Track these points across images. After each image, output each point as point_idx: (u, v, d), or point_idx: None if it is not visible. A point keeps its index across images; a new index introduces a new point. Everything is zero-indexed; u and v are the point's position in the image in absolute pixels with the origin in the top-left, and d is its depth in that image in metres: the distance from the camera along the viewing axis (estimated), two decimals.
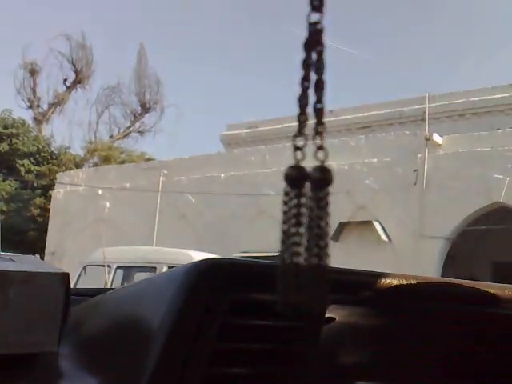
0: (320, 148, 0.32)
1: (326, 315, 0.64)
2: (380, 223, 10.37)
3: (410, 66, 36.99)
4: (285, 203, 0.32)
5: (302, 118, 0.32)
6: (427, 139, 10.35)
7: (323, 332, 0.65)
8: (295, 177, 0.32)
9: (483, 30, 37.39)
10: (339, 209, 10.09)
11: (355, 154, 11.06)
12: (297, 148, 0.32)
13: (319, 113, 0.32)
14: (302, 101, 0.32)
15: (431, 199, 10.06)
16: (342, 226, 10.48)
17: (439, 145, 10.50)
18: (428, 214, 10.06)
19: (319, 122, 0.32)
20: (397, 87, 34.46)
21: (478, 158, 9.77)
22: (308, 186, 0.33)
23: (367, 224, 10.42)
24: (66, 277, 0.72)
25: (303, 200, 0.32)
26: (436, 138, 10.48)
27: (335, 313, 0.65)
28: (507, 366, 0.76)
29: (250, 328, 0.61)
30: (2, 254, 0.86)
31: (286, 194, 0.32)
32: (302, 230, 0.32)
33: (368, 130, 13.82)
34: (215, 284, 0.60)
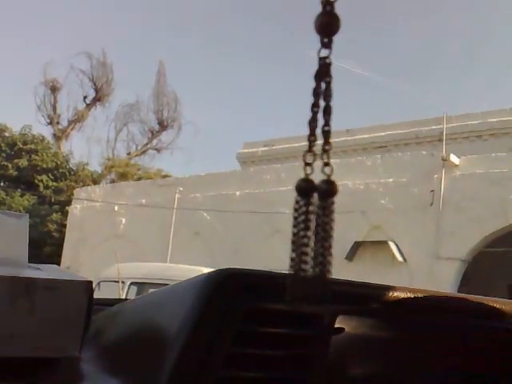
0: (326, 164, 0.37)
1: (336, 325, 0.67)
2: (395, 243, 10.30)
3: (428, 87, 37.02)
4: (295, 210, 0.37)
5: (311, 138, 0.37)
6: (444, 160, 10.32)
7: (332, 342, 0.68)
8: (304, 188, 0.37)
9: (499, 49, 37.34)
10: (354, 228, 10.07)
11: (371, 174, 11.05)
12: (306, 163, 0.37)
13: (326, 134, 0.37)
14: (312, 124, 0.37)
15: (447, 220, 9.99)
16: (357, 245, 10.43)
17: (456, 165, 10.46)
18: (444, 234, 9.99)
19: (326, 142, 0.37)
20: (414, 108, 34.47)
21: (495, 179, 9.70)
22: (316, 197, 0.37)
23: (382, 244, 10.37)
24: (89, 285, 0.76)
25: (311, 208, 0.36)
26: (453, 158, 10.44)
27: (344, 323, 0.68)
28: None
29: (262, 335, 0.64)
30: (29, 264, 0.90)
31: (297, 202, 0.37)
32: (310, 233, 0.36)
33: (384, 150, 13.81)
34: (232, 293, 0.63)
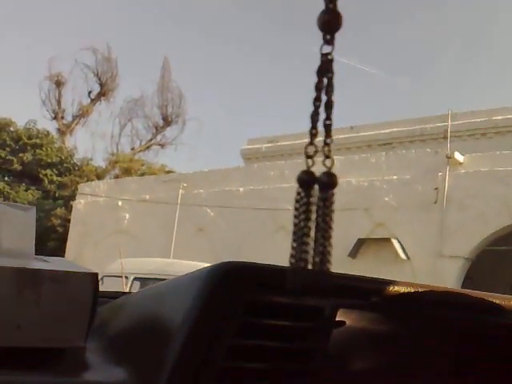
0: (327, 157, 0.37)
1: (337, 319, 0.68)
2: (399, 241, 10.30)
3: (433, 84, 36.90)
4: (297, 201, 0.38)
5: (313, 131, 0.38)
6: (448, 157, 10.30)
7: (333, 335, 0.69)
8: (306, 180, 0.38)
9: (505, 44, 37.17)
10: (357, 225, 10.07)
11: (375, 171, 11.04)
12: (308, 156, 0.38)
13: (328, 128, 0.38)
14: (314, 117, 0.38)
15: (451, 218, 9.97)
16: (360, 242, 10.43)
17: (460, 163, 10.44)
18: (448, 232, 9.98)
19: (327, 136, 0.38)
20: (419, 105, 34.39)
21: (499, 177, 9.69)
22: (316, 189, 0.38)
23: (385, 241, 10.36)
24: (94, 277, 0.77)
25: (312, 199, 0.37)
26: (457, 156, 10.42)
27: (345, 317, 0.69)
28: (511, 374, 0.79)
29: (264, 327, 0.65)
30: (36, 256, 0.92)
31: (298, 194, 0.38)
32: (311, 224, 0.37)
33: (389, 147, 13.79)
34: (234, 285, 0.64)
